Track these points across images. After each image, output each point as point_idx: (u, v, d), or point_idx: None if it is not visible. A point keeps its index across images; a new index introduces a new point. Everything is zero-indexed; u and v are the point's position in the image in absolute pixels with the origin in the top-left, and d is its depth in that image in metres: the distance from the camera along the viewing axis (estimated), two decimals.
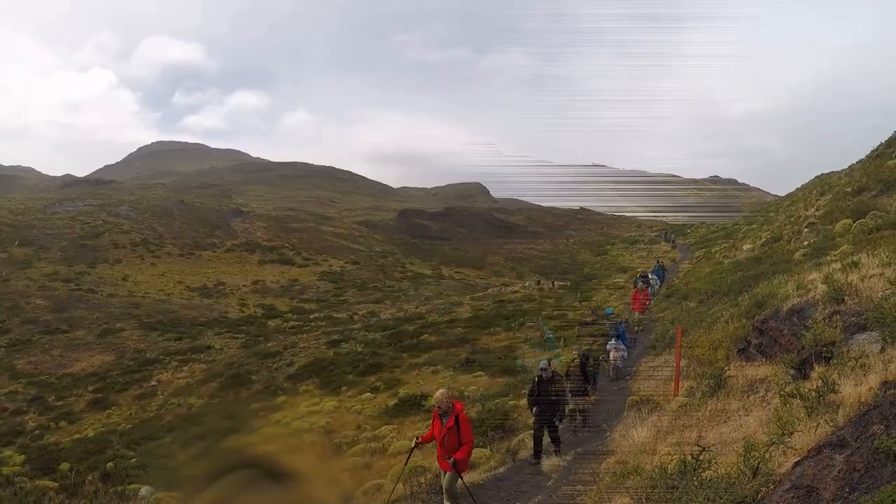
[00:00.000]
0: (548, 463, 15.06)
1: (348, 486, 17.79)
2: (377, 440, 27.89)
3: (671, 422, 10.08)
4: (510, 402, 27.55)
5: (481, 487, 13.70)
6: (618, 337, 29.46)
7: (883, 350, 7.65)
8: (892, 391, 6.09)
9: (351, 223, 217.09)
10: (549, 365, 16.56)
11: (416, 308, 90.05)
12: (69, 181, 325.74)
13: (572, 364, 21.29)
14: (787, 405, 7.27)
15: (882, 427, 5.47)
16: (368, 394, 41.47)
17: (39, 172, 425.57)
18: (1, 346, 78.02)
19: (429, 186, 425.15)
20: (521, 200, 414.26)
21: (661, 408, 11.85)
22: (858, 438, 5.44)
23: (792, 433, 6.28)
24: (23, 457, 39.43)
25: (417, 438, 12.27)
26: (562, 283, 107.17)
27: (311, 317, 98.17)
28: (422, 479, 14.40)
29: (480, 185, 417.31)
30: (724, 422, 8.73)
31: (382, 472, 20.22)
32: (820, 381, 6.98)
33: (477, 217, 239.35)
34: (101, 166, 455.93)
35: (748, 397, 9.43)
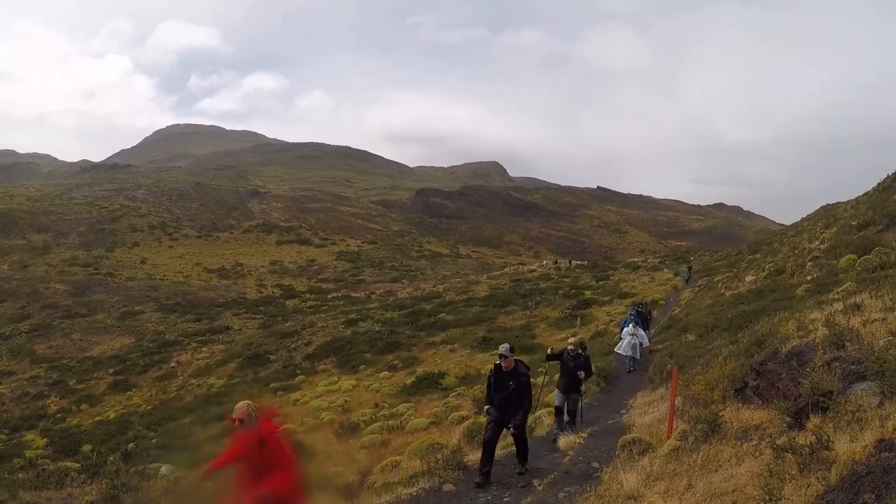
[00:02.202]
0: (564, 440, 14.99)
1: (365, 464, 17.86)
2: (394, 418, 27.90)
3: (662, 466, 9.92)
4: None
5: (497, 463, 13.68)
6: (636, 323, 26.70)
7: (881, 404, 7.45)
8: (885, 454, 5.93)
9: (368, 203, 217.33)
10: (512, 353, 12.11)
11: (434, 287, 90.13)
12: (86, 166, 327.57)
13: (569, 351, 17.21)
14: (780, 459, 7.16)
15: (873, 496, 5.31)
16: (386, 372, 41.58)
17: (56, 159, 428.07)
18: (22, 332, 78.69)
19: (445, 166, 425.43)
20: (538, 179, 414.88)
21: (653, 449, 11.68)
22: None
23: (780, 499, 6.18)
24: (45, 440, 39.78)
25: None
26: (579, 262, 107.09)
27: (329, 296, 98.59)
28: (439, 456, 14.35)
29: (497, 163, 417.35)
30: (715, 470, 8.56)
31: (399, 450, 20.24)
32: (814, 436, 6.84)
33: (494, 196, 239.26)
34: (118, 151, 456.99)
35: (741, 445, 9.19)
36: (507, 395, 11.98)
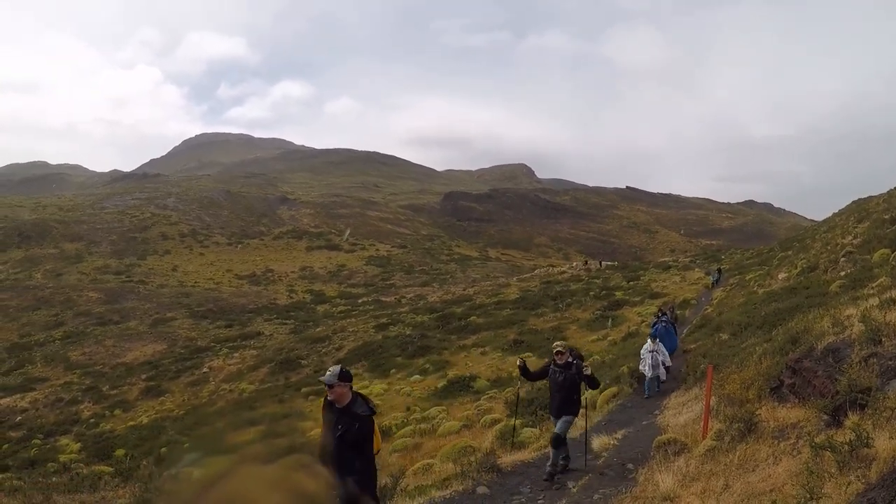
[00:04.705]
0: (598, 441, 14.85)
1: (398, 467, 17.77)
2: (426, 421, 27.83)
3: (698, 467, 9.80)
4: None
5: (531, 465, 13.56)
6: (656, 336, 22.68)
7: None
8: None
9: (396, 207, 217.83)
10: (345, 381, 7.55)
11: (464, 290, 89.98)
12: (116, 176, 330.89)
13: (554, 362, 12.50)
14: (819, 457, 7.06)
15: None
16: (417, 376, 41.52)
17: (87, 169, 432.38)
18: (56, 339, 79.44)
19: (473, 168, 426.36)
20: (565, 180, 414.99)
21: (688, 450, 11.56)
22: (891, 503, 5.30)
23: (820, 497, 6.10)
24: (79, 444, 40.10)
25: None
26: (609, 263, 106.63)
27: (360, 301, 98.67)
28: (472, 458, 14.26)
29: (525, 165, 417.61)
30: (752, 470, 8.44)
31: (432, 453, 20.17)
32: (853, 433, 6.74)
33: (522, 198, 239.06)
34: (147, 160, 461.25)
35: (778, 443, 9.05)
36: (334, 448, 7.21)
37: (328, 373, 7.59)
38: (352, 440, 7.32)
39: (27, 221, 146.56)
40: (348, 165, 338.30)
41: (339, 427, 7.39)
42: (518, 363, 13.00)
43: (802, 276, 34.28)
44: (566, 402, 12.25)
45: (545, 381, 13.05)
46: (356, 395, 7.69)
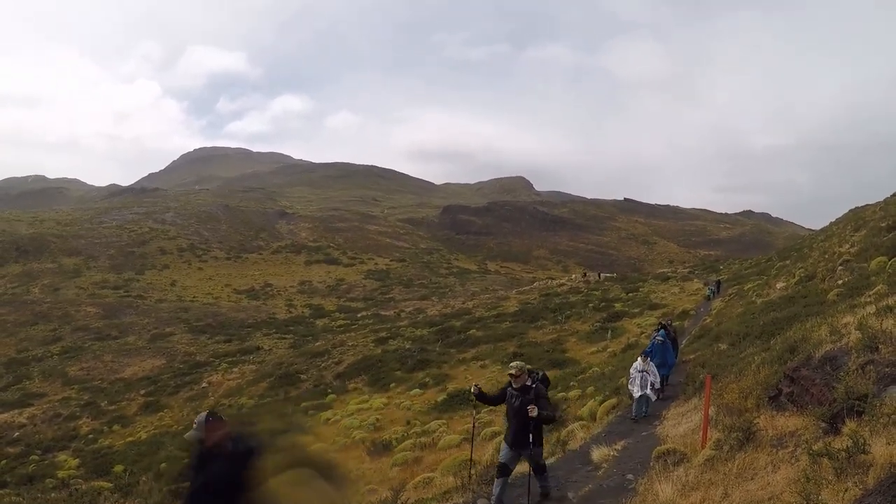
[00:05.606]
0: (598, 453, 14.82)
1: (398, 481, 17.76)
2: (426, 435, 27.87)
3: (697, 476, 9.82)
4: (559, 395, 27.39)
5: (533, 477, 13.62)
6: (647, 355, 20.61)
7: None
8: None
9: (395, 221, 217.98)
10: (212, 427, 5.98)
11: (463, 303, 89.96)
12: (115, 190, 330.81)
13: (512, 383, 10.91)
14: (816, 464, 7.10)
15: None
16: (417, 390, 41.48)
17: (85, 183, 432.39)
18: (54, 354, 79.33)
19: (472, 182, 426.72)
20: (564, 192, 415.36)
21: (687, 459, 11.57)
22: None
23: None
24: (77, 460, 40.05)
25: None
26: (608, 275, 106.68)
27: (359, 315, 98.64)
28: (472, 472, 14.25)
29: (523, 178, 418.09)
30: (751, 478, 8.46)
31: (432, 466, 20.17)
32: (850, 440, 6.78)
33: (521, 211, 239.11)
34: (146, 174, 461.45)
35: (777, 452, 9.08)
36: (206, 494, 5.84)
37: (193, 426, 6.12)
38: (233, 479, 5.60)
39: (25, 236, 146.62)
40: (347, 179, 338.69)
41: (214, 471, 5.87)
42: (473, 390, 11.51)
43: (800, 286, 34.30)
44: (522, 430, 10.60)
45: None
46: (237, 435, 6.04)
